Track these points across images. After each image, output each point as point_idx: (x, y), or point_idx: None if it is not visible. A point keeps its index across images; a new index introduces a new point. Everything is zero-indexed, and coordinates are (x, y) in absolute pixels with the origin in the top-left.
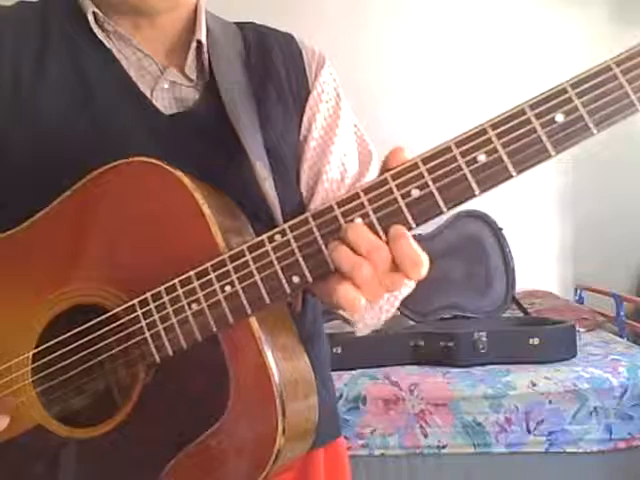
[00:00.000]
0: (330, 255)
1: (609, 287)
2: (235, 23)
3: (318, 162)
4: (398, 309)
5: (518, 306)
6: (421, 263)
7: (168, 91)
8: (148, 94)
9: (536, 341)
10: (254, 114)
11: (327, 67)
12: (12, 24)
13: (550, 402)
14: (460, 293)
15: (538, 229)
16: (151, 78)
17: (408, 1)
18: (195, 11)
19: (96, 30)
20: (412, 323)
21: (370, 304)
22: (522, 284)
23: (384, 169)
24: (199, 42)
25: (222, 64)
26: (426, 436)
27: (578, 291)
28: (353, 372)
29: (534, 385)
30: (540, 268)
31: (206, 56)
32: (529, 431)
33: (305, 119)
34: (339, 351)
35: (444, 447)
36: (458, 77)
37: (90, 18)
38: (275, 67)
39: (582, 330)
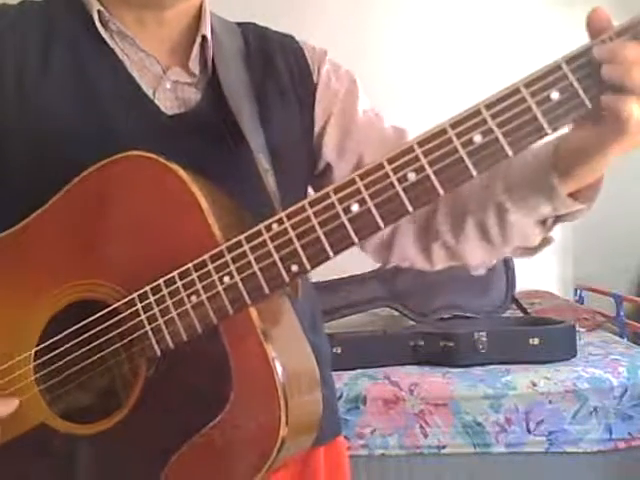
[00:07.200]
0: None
1: (609, 287)
2: (236, 23)
3: (354, 144)
4: (398, 309)
5: (518, 306)
6: None
7: (170, 91)
8: (150, 94)
9: (536, 341)
10: (255, 111)
11: (328, 59)
12: (16, 22)
13: (550, 402)
14: (460, 293)
15: None
16: (154, 78)
17: None
18: (200, 7)
19: (100, 29)
20: (412, 323)
21: None
22: (522, 284)
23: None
24: (204, 37)
25: (224, 61)
26: (426, 436)
27: (578, 291)
28: (353, 372)
29: (534, 385)
30: (540, 268)
31: (210, 51)
32: (529, 431)
33: (319, 111)
34: (339, 351)
35: (444, 447)
36: (460, 75)
37: (95, 17)
38: (276, 65)
39: (582, 330)
